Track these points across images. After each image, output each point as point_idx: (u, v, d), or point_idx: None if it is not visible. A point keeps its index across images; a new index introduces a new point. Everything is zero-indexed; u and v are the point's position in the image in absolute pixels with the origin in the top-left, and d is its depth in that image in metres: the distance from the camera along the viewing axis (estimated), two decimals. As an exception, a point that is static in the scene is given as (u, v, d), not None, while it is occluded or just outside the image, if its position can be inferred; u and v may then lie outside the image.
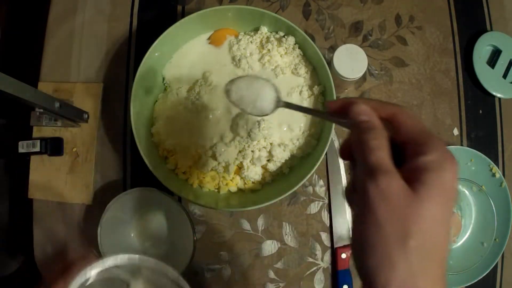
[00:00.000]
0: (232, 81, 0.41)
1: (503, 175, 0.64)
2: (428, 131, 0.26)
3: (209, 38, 0.61)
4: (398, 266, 0.24)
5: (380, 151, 0.25)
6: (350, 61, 0.54)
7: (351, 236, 0.27)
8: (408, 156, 0.26)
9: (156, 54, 0.56)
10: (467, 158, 0.63)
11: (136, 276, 0.48)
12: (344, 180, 0.62)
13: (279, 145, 0.57)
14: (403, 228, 0.24)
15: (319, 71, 0.58)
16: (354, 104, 0.28)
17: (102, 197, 0.61)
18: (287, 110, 0.58)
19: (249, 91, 0.40)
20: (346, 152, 0.30)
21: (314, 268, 0.61)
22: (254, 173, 0.57)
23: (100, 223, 0.55)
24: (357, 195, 0.26)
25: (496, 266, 0.62)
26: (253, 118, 0.56)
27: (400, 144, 0.27)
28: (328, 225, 0.62)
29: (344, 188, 0.62)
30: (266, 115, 0.40)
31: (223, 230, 0.61)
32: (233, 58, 0.59)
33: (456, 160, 0.25)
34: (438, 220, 0.24)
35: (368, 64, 0.66)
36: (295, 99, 0.59)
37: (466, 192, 0.64)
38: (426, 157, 0.25)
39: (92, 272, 0.38)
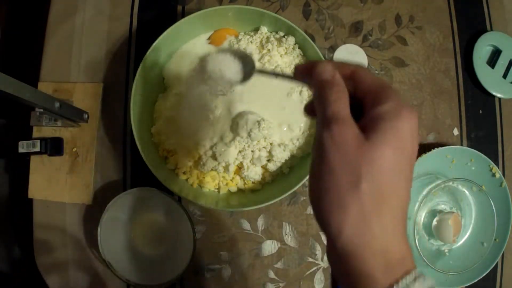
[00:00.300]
0: (202, 61, 0.40)
1: (503, 175, 0.64)
2: (386, 84, 0.27)
3: (209, 38, 0.61)
4: (351, 209, 0.24)
5: (338, 103, 0.26)
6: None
7: (308, 183, 0.28)
8: (366, 108, 0.27)
9: (156, 54, 0.56)
10: (467, 158, 0.63)
11: None
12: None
13: (279, 145, 0.57)
14: (354, 172, 0.24)
15: (319, 71, 0.58)
16: (317, 64, 0.29)
17: (102, 197, 0.61)
18: (287, 110, 0.58)
19: (218, 65, 0.39)
20: (309, 109, 0.32)
21: (314, 268, 0.61)
22: (254, 173, 0.57)
23: (100, 223, 0.55)
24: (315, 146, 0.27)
25: (496, 266, 0.62)
26: (253, 118, 0.56)
27: (360, 99, 0.28)
28: (328, 225, 0.62)
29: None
30: (236, 85, 0.39)
31: (223, 230, 0.61)
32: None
33: (414, 110, 0.26)
34: (391, 166, 0.24)
35: (368, 64, 0.66)
36: (295, 99, 0.59)
37: (466, 192, 0.64)
38: (381, 107, 0.26)
39: None
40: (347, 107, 0.26)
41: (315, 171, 0.26)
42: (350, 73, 0.29)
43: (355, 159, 0.24)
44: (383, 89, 0.27)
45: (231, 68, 0.38)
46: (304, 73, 0.30)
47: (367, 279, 0.24)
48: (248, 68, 0.38)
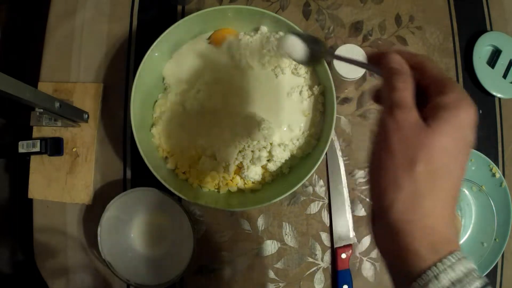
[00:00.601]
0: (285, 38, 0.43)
1: (503, 175, 0.64)
2: (450, 78, 0.29)
3: (209, 38, 0.61)
4: (405, 187, 0.26)
5: (403, 91, 0.28)
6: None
7: (368, 161, 0.30)
8: (430, 97, 0.28)
9: (156, 54, 0.56)
10: (467, 158, 0.63)
11: None
12: (344, 180, 0.62)
13: (279, 145, 0.57)
14: (412, 154, 0.26)
15: (319, 71, 0.58)
16: (388, 54, 0.31)
17: (102, 197, 0.61)
18: (287, 110, 0.58)
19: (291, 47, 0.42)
20: (377, 96, 0.36)
21: (314, 268, 0.61)
22: (254, 173, 0.57)
23: (100, 223, 0.55)
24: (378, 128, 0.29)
25: (496, 266, 0.62)
26: (253, 118, 0.56)
27: (425, 89, 0.29)
28: (328, 225, 0.62)
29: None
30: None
31: (223, 230, 0.61)
32: (233, 58, 0.59)
33: (473, 104, 0.27)
34: (448, 151, 0.26)
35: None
36: (295, 99, 0.59)
37: (466, 192, 0.64)
38: (444, 97, 0.27)
39: None
40: (412, 95, 0.28)
41: (376, 150, 0.29)
42: (418, 63, 0.30)
43: (414, 143, 0.26)
44: (447, 81, 0.28)
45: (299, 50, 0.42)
46: (376, 60, 0.32)
47: (413, 255, 0.25)
48: (318, 51, 0.41)
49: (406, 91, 0.28)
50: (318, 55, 0.41)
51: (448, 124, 0.26)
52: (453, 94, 0.27)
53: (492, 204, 0.61)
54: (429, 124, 0.26)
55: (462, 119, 0.26)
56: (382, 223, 0.27)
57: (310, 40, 0.41)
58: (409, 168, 0.26)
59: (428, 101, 0.28)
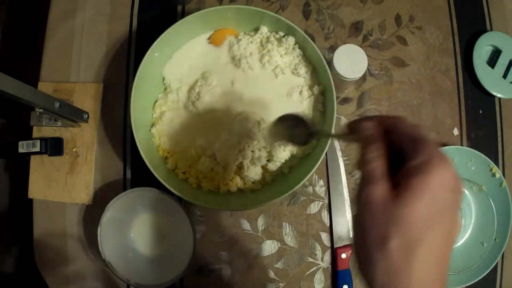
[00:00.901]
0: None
1: (503, 175, 0.64)
2: (422, 136, 0.28)
3: (209, 38, 0.61)
4: (379, 265, 0.26)
5: (374, 163, 0.28)
6: (350, 61, 0.54)
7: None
8: (405, 159, 0.28)
9: (156, 54, 0.56)
10: (467, 158, 0.63)
11: None
12: (344, 180, 0.62)
13: (279, 145, 0.57)
14: (383, 231, 0.25)
15: (319, 71, 0.58)
16: (359, 122, 0.31)
17: (102, 197, 0.61)
18: (287, 110, 0.58)
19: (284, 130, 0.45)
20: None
21: (314, 268, 0.61)
22: (254, 173, 0.57)
23: (100, 223, 0.55)
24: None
25: (496, 266, 0.62)
26: (253, 118, 0.56)
27: (401, 150, 0.29)
28: (328, 225, 0.62)
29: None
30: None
31: (223, 230, 0.61)
32: (233, 58, 0.59)
33: (447, 162, 0.26)
34: (421, 221, 0.25)
35: (368, 64, 0.66)
36: (295, 99, 0.59)
37: (466, 192, 0.64)
38: (413, 162, 0.26)
39: None
40: (382, 165, 0.28)
41: (353, 225, 0.29)
42: (391, 125, 0.29)
43: (385, 218, 0.26)
44: (417, 141, 0.27)
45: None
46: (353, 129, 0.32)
47: None
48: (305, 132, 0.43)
49: (375, 162, 0.28)
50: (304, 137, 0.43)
51: (418, 191, 0.25)
52: (422, 156, 0.26)
53: (492, 204, 0.61)
54: (399, 195, 0.25)
55: (433, 184, 0.25)
56: None
57: (296, 124, 0.42)
58: (381, 246, 0.25)
59: (402, 163, 0.28)
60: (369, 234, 0.26)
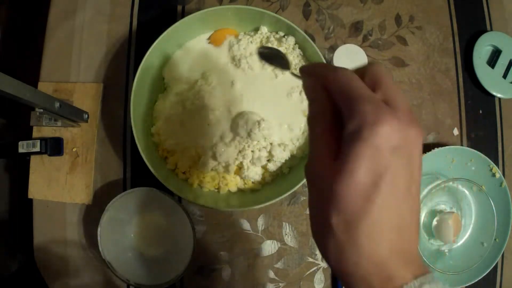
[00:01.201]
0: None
1: (503, 175, 0.64)
2: (356, 93, 0.24)
3: (209, 38, 0.61)
4: (327, 242, 0.25)
5: (316, 129, 0.26)
6: (350, 61, 0.54)
7: None
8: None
9: (156, 54, 0.56)
10: (467, 158, 0.63)
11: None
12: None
13: (279, 145, 0.57)
14: (325, 207, 0.24)
15: (319, 71, 0.58)
16: (305, 69, 0.29)
17: (102, 197, 0.61)
18: (287, 110, 0.58)
19: None
20: None
21: (314, 268, 0.61)
22: (254, 173, 0.57)
23: (100, 223, 0.55)
24: None
25: (496, 266, 0.62)
26: (253, 118, 0.56)
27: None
28: (328, 225, 0.62)
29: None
30: None
31: (223, 230, 0.61)
32: (233, 58, 0.59)
33: (383, 117, 0.22)
34: (359, 194, 0.23)
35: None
36: (295, 99, 0.59)
37: (466, 192, 0.64)
38: (347, 127, 0.24)
39: None
40: (323, 127, 0.26)
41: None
42: (325, 81, 0.26)
43: (324, 194, 0.24)
44: (351, 101, 0.24)
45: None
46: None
47: None
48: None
49: (318, 127, 0.26)
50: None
51: (350, 162, 0.23)
52: (355, 119, 0.23)
53: (492, 204, 0.61)
54: (335, 167, 0.24)
55: (365, 151, 0.22)
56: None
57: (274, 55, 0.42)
58: (325, 222, 0.24)
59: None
60: (315, 210, 0.26)
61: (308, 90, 0.28)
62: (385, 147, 0.23)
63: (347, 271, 0.24)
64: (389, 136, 0.23)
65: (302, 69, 0.29)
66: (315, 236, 0.26)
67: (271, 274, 0.60)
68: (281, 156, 0.56)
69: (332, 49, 0.66)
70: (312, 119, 0.27)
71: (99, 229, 0.55)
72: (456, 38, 0.69)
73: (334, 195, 0.23)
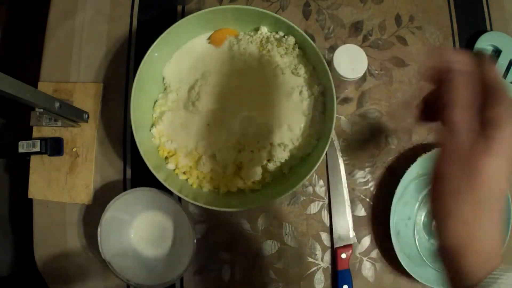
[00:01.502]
0: None
1: (503, 175, 0.64)
2: (502, 86, 0.27)
3: (209, 38, 0.61)
4: (453, 216, 0.27)
5: (459, 108, 0.27)
6: (350, 61, 0.54)
7: (429, 186, 0.31)
8: (486, 104, 0.27)
9: (156, 54, 0.56)
10: (467, 158, 0.63)
11: None
12: (344, 180, 0.62)
13: (279, 145, 0.57)
14: (458, 184, 0.27)
15: (319, 71, 0.58)
16: (444, 53, 0.30)
17: (102, 197, 0.61)
18: (287, 110, 0.58)
19: None
20: (424, 111, 0.34)
21: (314, 268, 0.61)
22: (254, 173, 0.57)
23: (100, 223, 0.55)
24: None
25: (496, 266, 0.62)
26: (253, 118, 0.56)
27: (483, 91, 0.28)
28: (328, 225, 0.62)
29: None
30: None
31: (223, 230, 0.61)
32: (233, 58, 0.59)
33: None
34: (495, 176, 0.26)
35: (368, 64, 0.66)
36: (295, 99, 0.59)
37: (466, 192, 0.64)
38: (492, 111, 0.26)
39: None
40: (467, 110, 0.27)
41: (432, 176, 0.29)
42: (479, 67, 0.29)
43: (461, 169, 0.27)
44: (497, 91, 0.27)
45: None
46: (435, 76, 0.31)
47: (464, 275, 0.27)
48: None
49: (461, 106, 0.27)
50: None
51: (496, 144, 0.26)
52: (502, 107, 0.26)
53: (492, 204, 0.60)
54: (480, 149, 0.26)
55: (509, 138, 0.26)
56: (442, 247, 0.29)
57: None
58: (456, 198, 0.27)
59: (483, 108, 0.27)
60: (447, 187, 0.27)
61: (458, 74, 0.29)
62: None
63: (464, 245, 0.27)
64: None
65: (452, 54, 0.30)
66: (437, 208, 0.28)
67: (271, 274, 0.60)
68: (281, 156, 0.56)
69: (332, 49, 0.66)
70: (459, 99, 0.28)
71: (99, 229, 0.55)
72: (456, 38, 0.69)
73: (475, 175, 0.26)
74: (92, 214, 0.60)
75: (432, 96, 0.33)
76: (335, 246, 0.60)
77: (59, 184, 0.61)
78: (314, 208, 0.62)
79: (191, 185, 0.57)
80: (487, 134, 0.26)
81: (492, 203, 0.27)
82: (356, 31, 0.68)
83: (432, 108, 0.32)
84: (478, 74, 0.28)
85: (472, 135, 0.27)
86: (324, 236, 0.62)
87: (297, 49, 0.59)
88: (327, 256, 0.61)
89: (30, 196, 0.61)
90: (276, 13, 0.58)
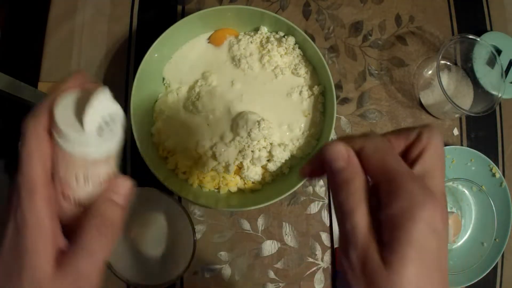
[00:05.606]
0: None
1: (503, 175, 0.64)
2: (395, 166, 0.23)
3: (209, 38, 0.61)
4: None
5: (355, 215, 0.23)
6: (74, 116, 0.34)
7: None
8: (380, 200, 0.23)
9: (156, 54, 0.56)
10: (467, 158, 0.63)
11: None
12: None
13: (279, 145, 0.57)
14: None
15: (319, 71, 0.58)
16: (326, 148, 0.25)
17: (102, 197, 0.60)
18: (287, 110, 0.59)
19: None
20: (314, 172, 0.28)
21: (314, 268, 0.61)
22: (254, 173, 0.57)
23: (100, 223, 0.55)
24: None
25: (496, 266, 0.62)
26: (253, 118, 0.56)
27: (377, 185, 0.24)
28: (328, 225, 0.62)
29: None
30: None
31: (223, 230, 0.61)
32: (233, 58, 0.59)
33: (430, 197, 0.22)
34: (416, 283, 0.22)
35: (368, 64, 0.66)
36: (295, 99, 0.59)
37: (466, 192, 0.64)
38: (391, 208, 0.22)
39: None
40: (364, 217, 0.23)
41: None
42: (359, 150, 0.24)
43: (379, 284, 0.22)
44: (391, 177, 0.23)
45: None
46: (311, 172, 0.27)
47: None
48: None
49: (357, 213, 0.23)
50: None
51: (405, 251, 0.21)
52: (401, 200, 0.22)
53: (492, 204, 0.61)
54: (387, 260, 0.22)
55: (419, 235, 0.21)
56: None
57: None
58: None
59: (381, 204, 0.23)
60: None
61: (338, 156, 0.24)
62: (436, 223, 0.22)
63: None
64: (437, 213, 0.22)
65: (330, 145, 0.25)
66: None
67: (271, 274, 0.60)
68: (281, 156, 0.56)
69: (332, 49, 0.66)
70: (344, 190, 0.24)
71: (99, 229, 0.55)
72: (456, 38, 0.69)
73: (393, 285, 0.21)
74: (92, 214, 0.60)
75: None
76: (335, 246, 0.60)
77: (59, 184, 0.61)
78: (314, 208, 0.62)
79: (191, 185, 0.57)
80: (393, 240, 0.22)
81: None
82: (356, 31, 0.68)
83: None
84: (364, 163, 0.24)
85: (371, 250, 0.22)
86: (324, 236, 0.62)
87: (297, 49, 0.59)
88: (327, 256, 0.61)
89: (30, 196, 0.61)
90: (276, 13, 0.58)
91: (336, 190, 0.24)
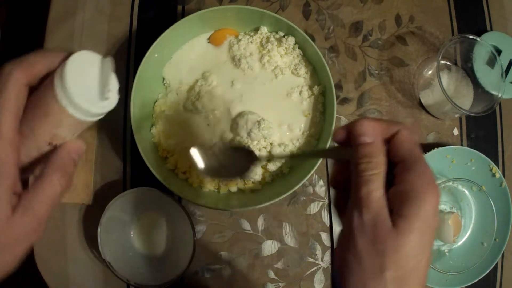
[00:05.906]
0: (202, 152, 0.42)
1: (503, 175, 0.64)
2: (418, 154, 0.27)
3: (209, 38, 0.61)
4: None
5: (372, 184, 0.26)
6: (84, 75, 0.35)
7: (336, 259, 0.29)
8: (397, 177, 0.27)
9: (156, 54, 0.56)
10: (467, 158, 0.63)
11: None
12: (344, 180, 0.62)
13: (279, 145, 0.57)
14: (380, 261, 0.25)
15: (319, 71, 0.58)
16: (357, 123, 0.28)
17: (102, 197, 0.61)
18: (287, 110, 0.58)
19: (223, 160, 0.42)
20: (337, 180, 0.31)
21: (314, 268, 0.61)
22: (254, 173, 0.57)
23: (100, 223, 0.55)
24: (344, 215, 0.28)
25: (496, 266, 0.62)
26: (253, 118, 0.56)
27: (394, 163, 0.28)
28: (328, 225, 0.62)
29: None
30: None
31: (223, 230, 0.61)
32: (233, 58, 0.59)
33: (438, 188, 0.26)
34: (416, 251, 0.26)
35: (368, 64, 0.66)
36: (295, 99, 0.59)
37: (466, 192, 0.64)
38: (406, 185, 0.26)
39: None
40: (381, 187, 0.26)
41: (343, 250, 0.28)
42: (391, 136, 0.28)
43: (382, 248, 0.25)
44: (413, 160, 0.27)
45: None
46: (343, 138, 0.29)
47: None
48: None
49: (374, 182, 0.26)
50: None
51: (414, 221, 0.25)
52: (418, 181, 0.26)
53: (492, 204, 0.61)
54: (396, 225, 0.25)
55: (427, 212, 0.25)
56: None
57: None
58: (377, 275, 0.25)
59: (395, 180, 0.27)
60: (366, 262, 0.26)
61: (367, 131, 0.28)
62: (437, 207, 0.26)
63: None
64: (438, 200, 0.26)
65: (361, 121, 0.28)
66: (348, 283, 0.27)
67: (271, 274, 0.60)
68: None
69: (332, 49, 0.66)
70: (366, 163, 0.27)
71: (99, 229, 0.55)
72: (456, 38, 0.69)
73: (395, 250, 0.25)
74: (92, 214, 0.60)
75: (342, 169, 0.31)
76: (335, 246, 0.60)
77: (59, 184, 0.61)
78: (314, 208, 0.62)
79: (191, 185, 0.57)
80: (404, 211, 0.25)
81: (413, 280, 0.26)
82: (356, 31, 0.68)
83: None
84: (393, 145, 0.28)
85: (387, 210, 0.26)
86: (324, 236, 0.61)
87: (297, 49, 0.59)
88: (327, 256, 0.61)
89: (30, 196, 0.61)
90: (276, 13, 0.58)
91: (359, 160, 0.27)
